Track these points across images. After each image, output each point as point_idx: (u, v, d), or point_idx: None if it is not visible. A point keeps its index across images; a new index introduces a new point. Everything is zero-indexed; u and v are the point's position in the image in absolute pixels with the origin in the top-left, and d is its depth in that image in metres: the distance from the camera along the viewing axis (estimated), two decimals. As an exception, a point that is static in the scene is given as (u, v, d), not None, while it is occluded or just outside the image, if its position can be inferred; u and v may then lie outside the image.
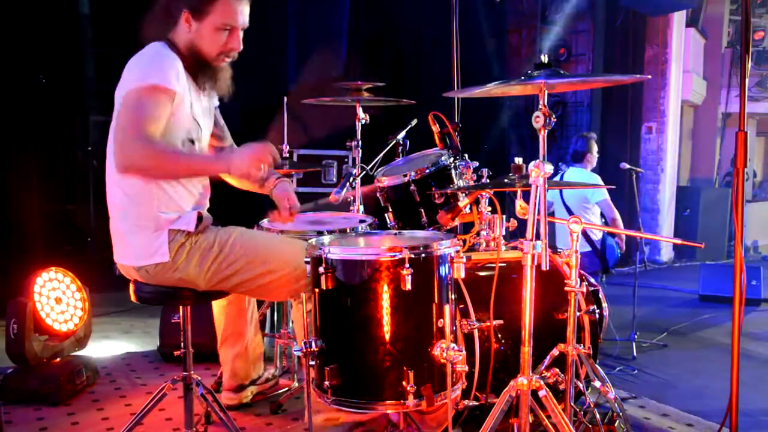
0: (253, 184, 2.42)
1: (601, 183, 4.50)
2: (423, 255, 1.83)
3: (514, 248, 2.47)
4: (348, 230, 2.54)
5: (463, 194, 2.42)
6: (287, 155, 3.24)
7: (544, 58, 1.86)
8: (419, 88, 5.89)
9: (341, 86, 3.13)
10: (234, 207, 2.68)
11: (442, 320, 1.84)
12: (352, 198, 3.00)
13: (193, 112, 2.20)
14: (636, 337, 3.99)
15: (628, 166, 4.40)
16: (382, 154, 2.91)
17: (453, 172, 2.62)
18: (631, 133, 7.94)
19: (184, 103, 2.13)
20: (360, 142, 3.10)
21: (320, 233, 2.42)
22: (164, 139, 2.08)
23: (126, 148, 1.98)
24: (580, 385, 2.22)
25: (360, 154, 3.09)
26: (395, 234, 2.24)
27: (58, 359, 3.09)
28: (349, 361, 1.87)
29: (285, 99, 3.30)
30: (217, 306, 2.77)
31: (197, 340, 2.50)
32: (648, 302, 5.57)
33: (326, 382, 1.86)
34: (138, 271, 2.19)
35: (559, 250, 2.43)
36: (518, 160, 2.10)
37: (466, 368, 1.94)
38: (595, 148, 4.70)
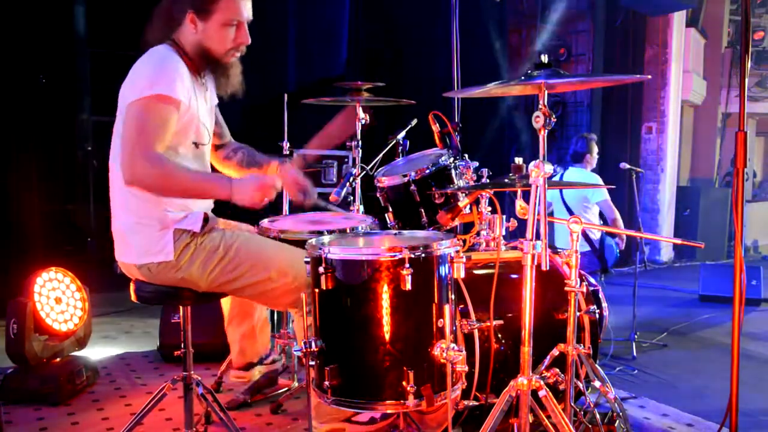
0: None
1: (601, 183, 4.50)
2: (423, 255, 1.83)
3: (514, 248, 2.47)
4: (348, 230, 2.54)
5: (463, 194, 2.42)
6: (287, 154, 3.24)
7: (544, 58, 1.86)
8: (419, 88, 5.89)
9: (341, 86, 3.13)
10: (234, 207, 2.67)
11: (442, 320, 1.84)
12: (351, 198, 3.00)
13: (200, 117, 2.21)
14: (636, 337, 3.99)
15: (628, 166, 4.40)
16: (382, 154, 2.92)
17: (453, 172, 2.62)
18: (631, 133, 7.94)
19: (190, 110, 2.13)
20: (360, 142, 3.10)
21: (320, 233, 2.42)
22: (172, 146, 2.09)
23: (133, 165, 1.99)
24: (580, 385, 2.22)
25: (360, 154, 3.09)
26: (395, 234, 2.24)
27: (58, 359, 3.09)
28: (349, 361, 1.87)
29: (285, 99, 3.30)
30: None
31: (197, 340, 2.50)
32: (648, 302, 5.57)
33: (326, 382, 1.86)
34: (140, 269, 2.18)
35: (558, 250, 2.43)
36: (518, 160, 2.10)
37: (466, 368, 1.94)
38: (595, 149, 4.71)
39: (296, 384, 3.04)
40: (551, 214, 4.56)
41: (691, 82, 8.91)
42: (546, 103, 1.81)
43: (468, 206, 2.36)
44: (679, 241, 2.69)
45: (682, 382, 3.51)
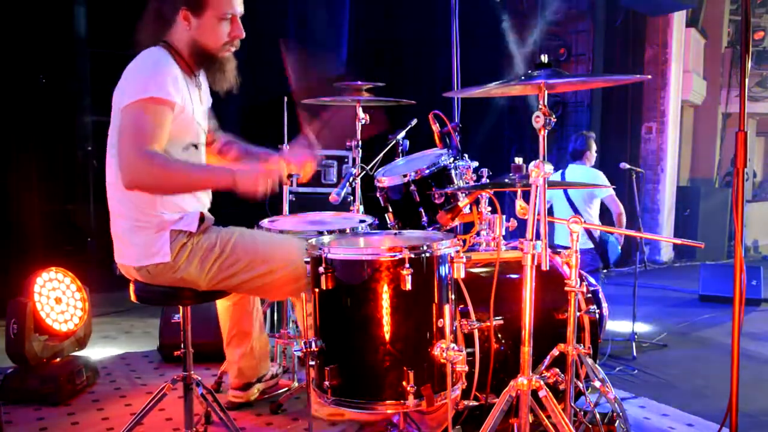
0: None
1: (604, 178, 4.50)
2: (423, 255, 1.83)
3: (514, 248, 2.47)
4: (348, 230, 2.54)
5: (463, 194, 2.42)
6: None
7: (544, 58, 1.86)
8: (419, 88, 5.89)
9: (341, 86, 3.13)
10: (234, 207, 2.68)
11: (442, 320, 1.84)
12: (352, 198, 3.00)
13: (195, 118, 2.21)
14: (636, 337, 3.99)
15: (628, 166, 4.40)
16: (382, 154, 2.92)
17: (453, 172, 2.62)
18: (631, 133, 7.94)
19: (185, 111, 2.13)
20: (360, 142, 3.10)
21: (320, 233, 2.42)
22: (169, 148, 2.09)
23: (131, 167, 1.98)
24: (580, 385, 2.21)
25: (360, 154, 3.09)
26: (395, 234, 2.24)
27: (58, 359, 3.09)
28: (349, 361, 1.87)
29: (285, 99, 3.30)
30: (222, 307, 2.77)
31: (197, 340, 2.50)
32: (648, 302, 5.57)
33: (326, 382, 1.86)
34: (139, 271, 2.19)
35: (558, 250, 2.43)
36: (518, 160, 2.10)
37: (466, 368, 1.94)
38: (594, 146, 4.72)
39: (296, 384, 3.04)
40: (550, 209, 4.57)
41: (691, 82, 8.91)
42: (546, 103, 1.81)
43: (468, 206, 2.36)
44: (679, 241, 2.68)
45: (682, 382, 3.50)
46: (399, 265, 1.79)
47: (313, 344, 1.90)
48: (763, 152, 12.51)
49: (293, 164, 2.37)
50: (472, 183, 2.62)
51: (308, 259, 1.91)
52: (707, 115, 10.17)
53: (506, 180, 2.09)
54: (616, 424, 2.26)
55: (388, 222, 2.78)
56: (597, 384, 2.19)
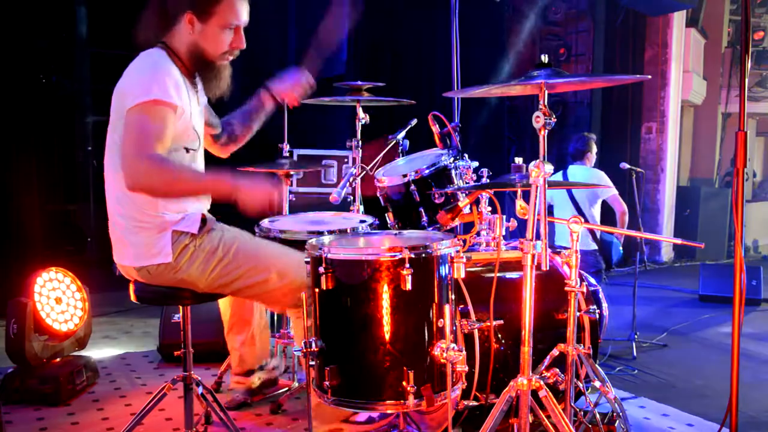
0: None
1: (606, 178, 4.50)
2: (423, 255, 1.83)
3: (514, 248, 2.47)
4: (348, 230, 2.54)
5: (463, 194, 2.42)
6: (287, 155, 3.23)
7: (544, 58, 1.86)
8: (419, 88, 5.89)
9: (341, 86, 3.13)
10: (234, 207, 2.68)
11: (442, 320, 1.84)
12: (352, 198, 3.00)
13: (193, 121, 2.21)
14: (636, 337, 3.99)
15: (628, 166, 4.40)
16: (382, 154, 2.92)
17: (453, 172, 2.62)
18: (631, 133, 7.94)
19: (184, 115, 2.13)
20: (360, 142, 3.10)
21: (320, 233, 2.42)
22: (168, 149, 2.09)
23: (134, 170, 1.98)
24: (580, 385, 2.22)
25: (360, 154, 3.09)
26: (395, 234, 2.24)
27: (58, 359, 3.09)
28: (349, 361, 1.87)
29: (285, 101, 3.29)
30: None
31: (197, 340, 2.50)
32: (648, 302, 5.57)
33: (326, 382, 1.86)
34: (139, 271, 2.18)
35: (558, 250, 2.43)
36: (518, 160, 2.10)
37: (466, 368, 1.94)
38: (594, 147, 4.71)
39: (296, 384, 3.04)
40: (551, 209, 4.56)
41: (691, 82, 8.91)
42: (546, 103, 1.81)
43: (468, 206, 2.36)
44: (679, 241, 2.68)
45: (682, 382, 3.51)
46: (399, 265, 1.79)
47: (313, 344, 1.90)
48: (763, 152, 12.50)
49: (283, 91, 2.41)
50: (472, 183, 2.62)
51: (308, 259, 1.91)
52: (707, 115, 10.16)
53: (506, 180, 2.09)
54: (616, 424, 2.26)
55: (388, 222, 2.78)
56: (597, 384, 2.19)
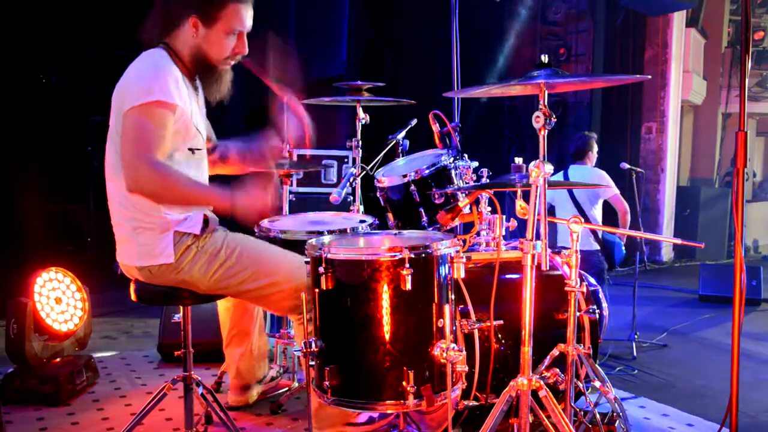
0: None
1: (607, 178, 4.48)
2: (423, 255, 1.83)
3: (514, 248, 2.47)
4: (348, 230, 2.54)
5: (463, 194, 2.42)
6: (287, 155, 3.24)
7: (544, 58, 1.86)
8: (419, 88, 5.89)
9: (341, 86, 3.13)
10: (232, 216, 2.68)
11: (442, 320, 1.84)
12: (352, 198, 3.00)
13: (195, 122, 2.21)
14: (636, 337, 3.99)
15: (628, 166, 4.40)
16: (382, 154, 2.92)
17: (453, 172, 2.62)
18: (631, 133, 7.94)
19: (185, 115, 2.13)
20: (360, 142, 3.10)
21: (320, 233, 2.42)
22: (170, 152, 2.09)
23: (136, 173, 2.00)
24: (580, 385, 2.22)
25: (360, 154, 3.09)
26: (395, 234, 2.24)
27: (58, 359, 3.09)
28: (349, 361, 1.87)
29: (285, 101, 3.29)
30: (223, 307, 2.77)
31: (197, 340, 2.50)
32: (648, 302, 5.57)
33: (326, 382, 1.86)
34: (140, 270, 2.19)
35: (557, 250, 2.43)
36: (518, 160, 2.10)
37: (466, 368, 1.94)
38: (595, 147, 4.70)
39: (296, 384, 3.04)
40: (552, 210, 4.55)
41: (691, 82, 8.91)
42: (546, 103, 1.81)
43: (468, 206, 2.36)
44: (679, 241, 2.69)
45: (682, 382, 3.51)
46: (399, 265, 1.79)
47: (313, 344, 1.90)
48: (763, 152, 12.50)
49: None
50: (472, 183, 2.62)
51: (308, 259, 1.91)
52: (707, 115, 10.16)
53: (506, 180, 2.09)
54: (616, 424, 2.26)
55: (388, 222, 2.78)
56: (597, 384, 2.19)
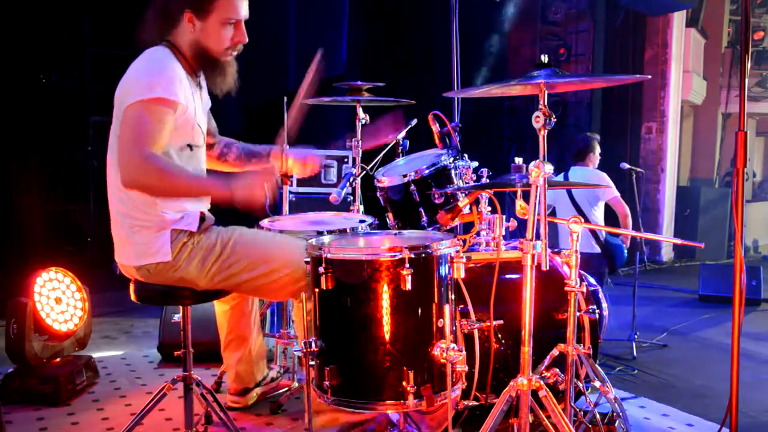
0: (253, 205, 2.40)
1: (608, 179, 4.47)
2: (423, 255, 1.83)
3: (514, 248, 2.47)
4: (348, 230, 2.54)
5: (463, 194, 2.42)
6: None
7: (544, 58, 1.86)
8: (419, 88, 5.89)
9: (341, 86, 3.13)
10: (234, 207, 2.67)
11: (442, 320, 1.84)
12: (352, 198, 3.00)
13: (197, 118, 2.21)
14: (636, 337, 3.99)
15: (628, 166, 4.39)
16: (382, 154, 2.91)
17: (453, 172, 2.62)
18: (631, 133, 7.94)
19: (188, 111, 2.13)
20: (360, 142, 3.09)
21: (320, 233, 2.42)
22: (168, 149, 2.09)
23: (130, 167, 1.99)
24: (580, 385, 2.21)
25: (360, 154, 3.09)
26: (395, 234, 2.24)
27: (58, 359, 3.09)
28: (349, 361, 1.87)
29: (285, 99, 3.29)
30: (220, 311, 2.76)
31: (197, 340, 2.50)
32: (648, 302, 5.57)
33: (326, 382, 1.86)
34: (139, 270, 2.19)
35: (557, 250, 2.43)
36: (518, 160, 2.10)
37: (466, 368, 1.94)
38: (597, 148, 4.67)
39: (296, 384, 3.04)
40: (553, 213, 4.53)
41: (691, 82, 8.91)
42: (546, 103, 1.81)
43: (468, 206, 2.36)
44: (679, 241, 2.69)
45: (682, 382, 3.50)
46: (399, 265, 1.79)
47: (313, 344, 1.90)
48: (763, 152, 12.50)
49: (295, 162, 2.39)
50: (471, 183, 2.62)
51: (308, 259, 1.91)
52: (707, 115, 10.17)
53: (506, 180, 2.09)
54: (616, 424, 2.26)
55: (388, 222, 2.78)
56: (597, 384, 2.19)
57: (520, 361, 1.85)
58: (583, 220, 2.05)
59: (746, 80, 1.99)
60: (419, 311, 1.84)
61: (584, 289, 2.14)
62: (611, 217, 4.68)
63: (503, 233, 2.32)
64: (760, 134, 12.11)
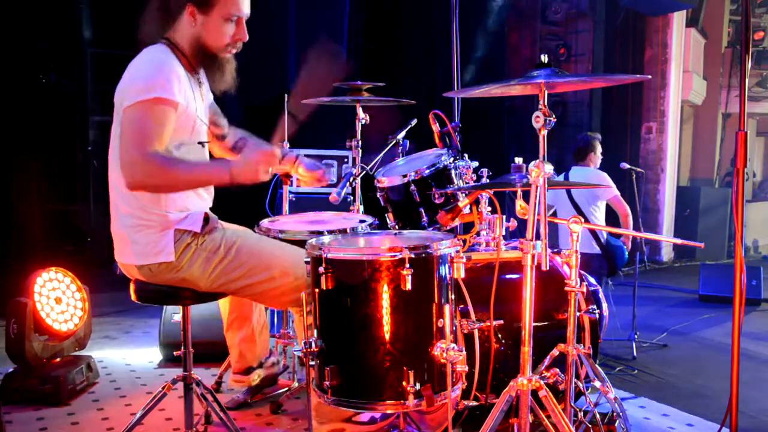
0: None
1: (608, 179, 4.46)
2: (423, 255, 1.83)
3: (514, 248, 2.47)
4: (348, 230, 2.54)
5: (463, 194, 2.42)
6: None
7: (544, 58, 1.86)
8: (419, 88, 5.90)
9: (341, 86, 3.13)
10: (234, 207, 2.67)
11: (442, 320, 1.84)
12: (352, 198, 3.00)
13: (198, 115, 2.21)
14: (636, 337, 3.99)
15: (628, 166, 4.39)
16: (382, 154, 2.91)
17: (453, 172, 2.62)
18: (631, 133, 7.94)
19: (188, 110, 2.13)
20: (360, 142, 3.10)
21: (320, 233, 2.42)
22: (171, 147, 2.09)
23: (133, 168, 2.00)
24: (580, 385, 2.21)
25: (360, 154, 3.09)
26: (395, 234, 2.24)
27: (58, 359, 3.09)
28: (349, 361, 1.87)
29: (285, 99, 3.30)
30: None
31: (197, 340, 2.50)
32: (648, 302, 5.57)
33: (326, 382, 1.86)
34: (140, 269, 2.18)
35: (557, 250, 2.43)
36: (518, 160, 2.10)
37: (466, 368, 1.94)
38: (599, 148, 4.65)
39: (296, 384, 3.04)
40: (554, 215, 4.52)
41: (691, 82, 8.91)
42: (546, 103, 1.81)
43: (468, 206, 2.36)
44: (679, 241, 2.68)
45: (682, 382, 3.51)
46: (399, 265, 1.79)
47: (313, 344, 1.90)
48: (763, 152, 12.50)
49: (307, 172, 2.41)
50: (472, 183, 2.62)
51: (308, 259, 1.91)
52: (707, 115, 10.16)
53: (506, 180, 2.09)
54: (616, 424, 2.26)
55: (388, 222, 2.78)
56: (597, 384, 2.19)
57: (520, 361, 1.85)
58: (582, 220, 2.05)
59: (746, 80, 1.99)
60: (419, 311, 1.84)
61: (584, 289, 2.14)
62: (612, 218, 4.68)
63: (503, 233, 2.32)
64: (760, 134, 12.10)
